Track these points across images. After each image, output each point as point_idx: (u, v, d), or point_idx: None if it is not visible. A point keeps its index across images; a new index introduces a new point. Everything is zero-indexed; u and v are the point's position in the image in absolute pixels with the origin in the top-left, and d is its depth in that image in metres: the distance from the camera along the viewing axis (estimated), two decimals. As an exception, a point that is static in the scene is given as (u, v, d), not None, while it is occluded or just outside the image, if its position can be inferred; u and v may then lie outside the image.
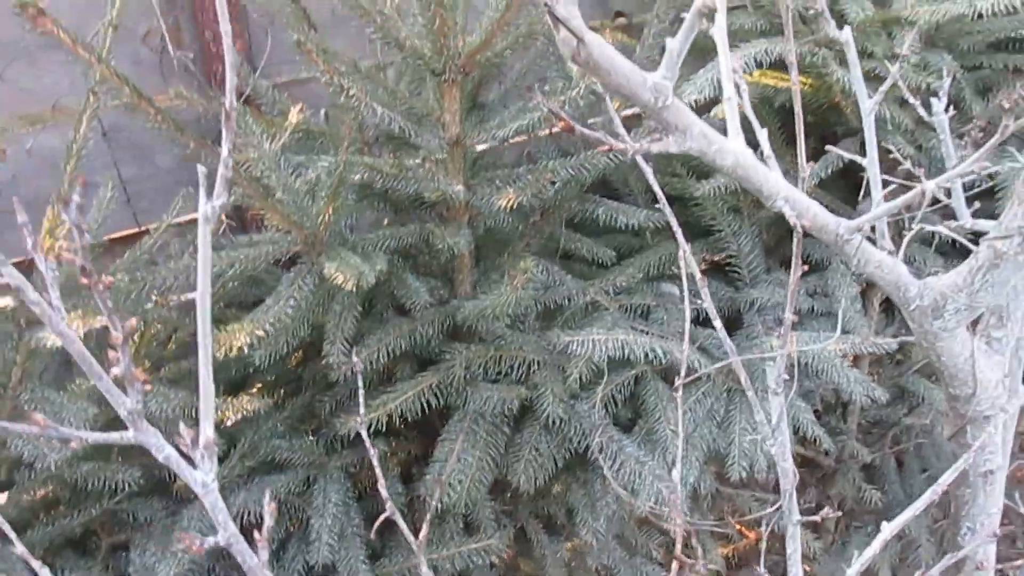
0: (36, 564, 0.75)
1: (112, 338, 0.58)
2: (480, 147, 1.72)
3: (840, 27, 1.75)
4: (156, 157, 2.25)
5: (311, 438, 1.71)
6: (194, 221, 2.02)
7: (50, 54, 1.92)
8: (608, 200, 1.85)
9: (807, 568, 2.79)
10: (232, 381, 1.77)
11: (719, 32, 0.89)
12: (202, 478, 0.69)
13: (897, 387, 2.40)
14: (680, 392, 1.08)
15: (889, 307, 2.44)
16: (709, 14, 0.74)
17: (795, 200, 0.92)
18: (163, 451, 0.67)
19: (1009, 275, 0.98)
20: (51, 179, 1.90)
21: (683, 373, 1.11)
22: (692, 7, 0.73)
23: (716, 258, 2.21)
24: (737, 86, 0.92)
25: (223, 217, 1.84)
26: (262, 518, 1.46)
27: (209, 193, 0.69)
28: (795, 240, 0.95)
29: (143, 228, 2.09)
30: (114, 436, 0.66)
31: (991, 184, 1.82)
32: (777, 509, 1.43)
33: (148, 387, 0.64)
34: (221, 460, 1.66)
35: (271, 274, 1.81)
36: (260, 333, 1.34)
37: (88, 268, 0.53)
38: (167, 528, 1.54)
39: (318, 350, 1.90)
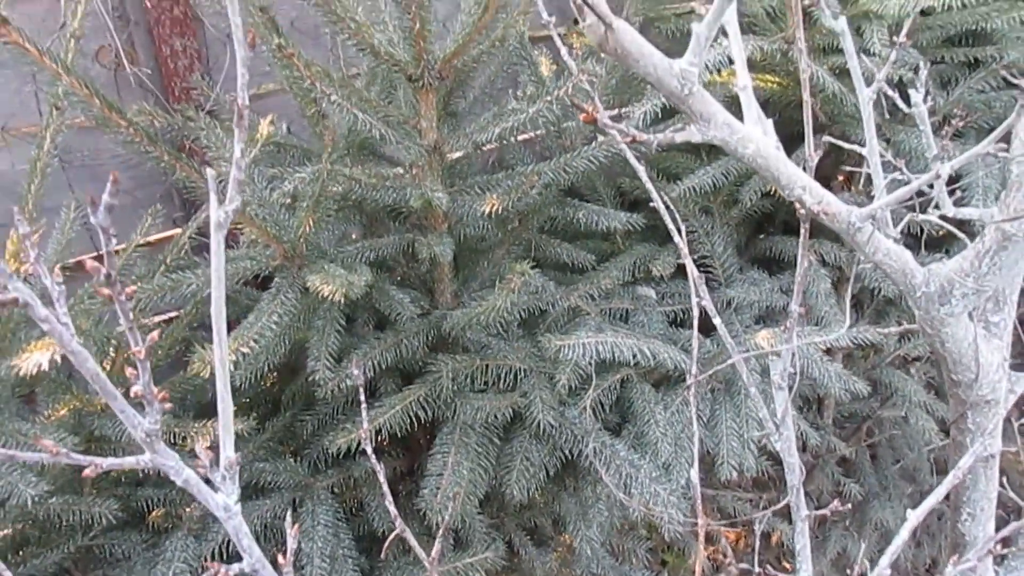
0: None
1: (133, 352, 0.53)
2: (455, 155, 1.70)
3: (807, 26, 1.77)
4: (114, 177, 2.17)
5: (294, 460, 1.65)
6: (162, 241, 1.96)
7: (-7, 73, 1.84)
8: (587, 204, 1.83)
9: (787, 565, 2.80)
10: (208, 404, 1.71)
11: (731, 20, 0.87)
12: (224, 501, 0.64)
13: (870, 380, 2.43)
14: (693, 390, 1.06)
15: (859, 302, 2.48)
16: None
17: (812, 188, 0.91)
18: (182, 474, 0.63)
19: (1017, 257, 0.99)
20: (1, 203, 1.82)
21: (693, 370, 1.09)
22: (716, -8, 0.71)
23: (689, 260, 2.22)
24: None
25: (188, 238, 1.78)
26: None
27: (220, 199, 0.65)
28: (802, 231, 0.94)
29: (101, 253, 2.02)
30: (130, 460, 0.61)
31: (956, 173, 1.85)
32: (775, 503, 1.42)
33: (168, 405, 0.59)
34: (201, 487, 1.59)
35: (241, 294, 1.75)
36: (246, 350, 1.29)
37: (112, 276, 0.49)
38: (148, 561, 1.47)
39: (293, 372, 1.85)
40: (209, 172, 0.65)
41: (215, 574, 0.63)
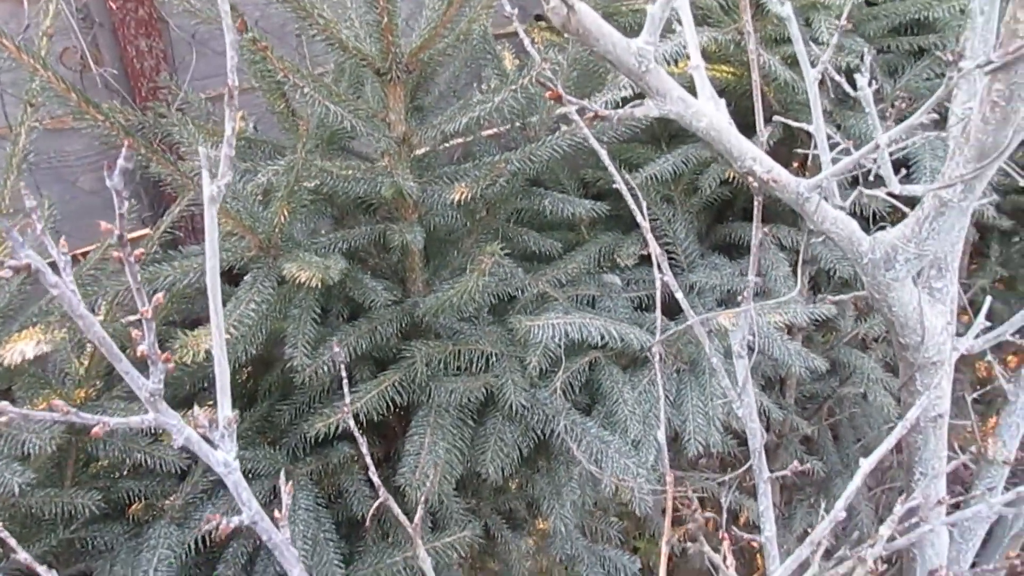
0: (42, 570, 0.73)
1: (141, 312, 0.57)
2: (423, 149, 1.74)
3: (759, 17, 1.84)
4: (78, 180, 2.19)
5: (273, 449, 1.69)
6: (133, 240, 1.97)
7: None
8: (553, 192, 1.89)
9: (754, 544, 2.89)
10: (184, 397, 1.73)
11: (683, 5, 0.93)
12: (224, 458, 0.69)
13: (829, 360, 2.52)
14: (659, 347, 1.12)
15: (815, 284, 2.56)
16: (682, -18, 0.78)
17: (762, 159, 0.98)
18: (183, 433, 0.67)
19: (953, 222, 1.06)
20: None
21: (658, 332, 1.15)
22: (668, -25, 0.77)
23: (663, 251, 2.29)
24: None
25: (156, 235, 1.80)
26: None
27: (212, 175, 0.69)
28: (756, 204, 1.00)
29: (71, 253, 2.03)
30: (135, 420, 0.65)
31: (904, 155, 1.94)
32: (741, 473, 1.49)
33: (171, 366, 0.63)
34: (183, 477, 1.62)
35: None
36: (226, 336, 1.32)
37: (124, 237, 0.53)
38: (132, 550, 1.49)
39: (268, 363, 1.88)
40: (201, 150, 0.69)
41: (216, 525, 0.67)
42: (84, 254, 1.81)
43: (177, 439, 0.68)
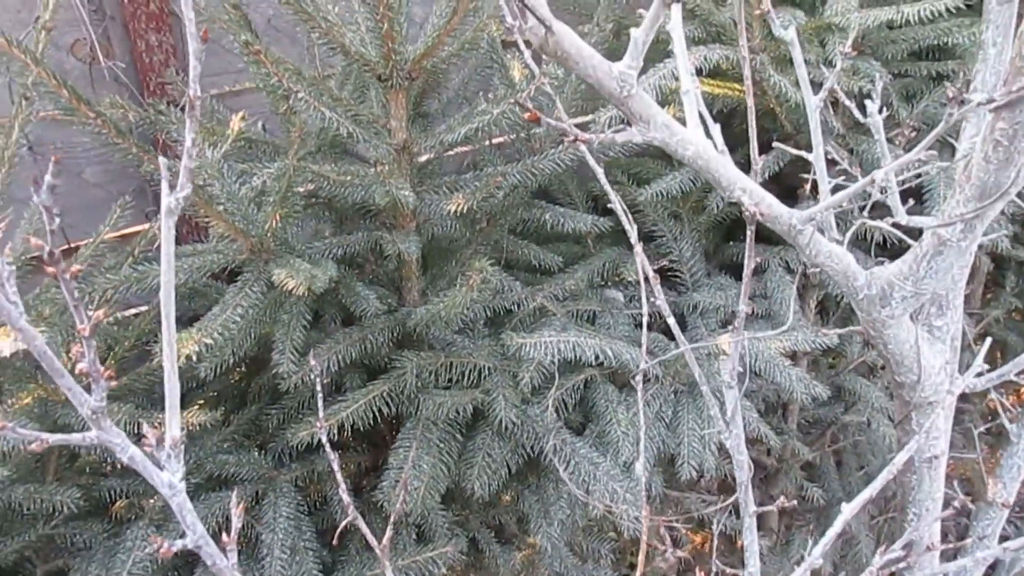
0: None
1: (78, 330, 0.55)
2: (424, 157, 1.72)
3: (770, 38, 1.80)
4: (84, 172, 2.19)
5: (258, 453, 1.67)
6: (130, 235, 1.96)
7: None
8: (555, 206, 1.86)
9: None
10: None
11: (675, 27, 0.90)
12: (169, 479, 0.66)
13: (834, 386, 2.47)
14: (642, 374, 1.09)
15: (823, 309, 2.52)
16: (670, 3, 0.75)
17: (752, 190, 0.94)
18: (127, 452, 0.65)
19: (952, 261, 1.02)
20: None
21: (642, 358, 1.12)
22: (655, -2, 0.74)
23: (658, 265, 2.25)
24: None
25: (157, 231, 1.79)
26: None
27: (171, 186, 0.67)
28: (748, 233, 0.97)
29: (72, 244, 2.03)
30: (76, 438, 0.63)
31: (919, 184, 1.90)
32: (733, 502, 1.46)
33: (113, 383, 0.61)
34: (165, 478, 1.60)
35: (211, 288, 1.77)
36: (208, 341, 1.31)
37: (56, 254, 0.51)
38: (109, 550, 1.48)
39: (260, 366, 1.87)
40: (161, 160, 0.67)
41: (158, 548, 0.65)
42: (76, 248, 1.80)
43: (121, 456, 0.66)
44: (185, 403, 1.75)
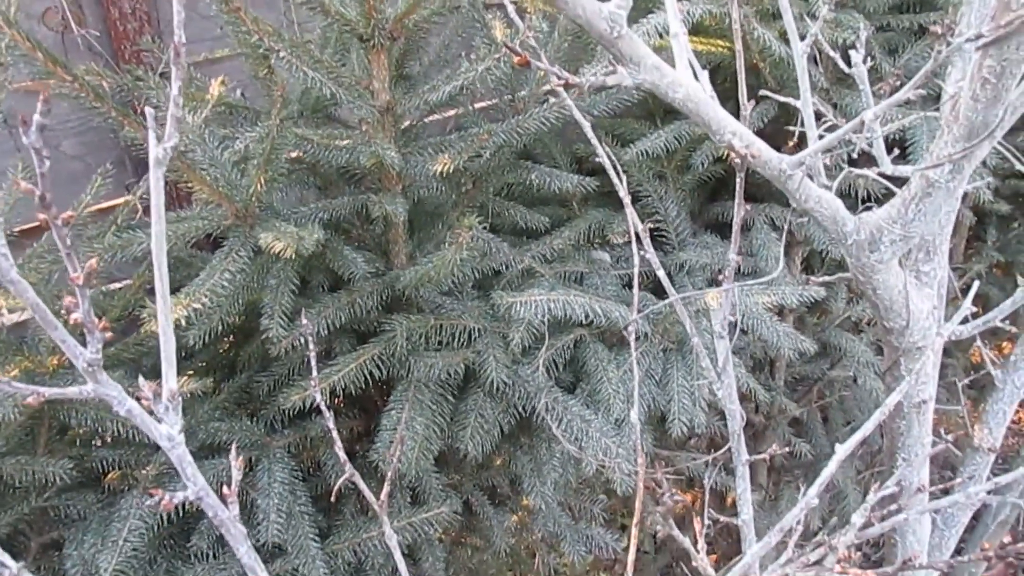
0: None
1: (71, 279, 0.55)
2: (408, 120, 1.71)
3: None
4: (62, 144, 2.16)
5: (250, 421, 1.67)
6: (110, 208, 1.94)
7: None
8: (540, 166, 1.85)
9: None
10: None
11: (663, -31, 0.90)
12: (167, 431, 0.66)
13: (820, 342, 2.50)
14: (636, 325, 1.09)
15: (808, 266, 2.54)
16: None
17: (742, 134, 0.94)
18: (125, 404, 0.64)
19: (940, 203, 1.03)
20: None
21: (634, 309, 1.12)
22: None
23: (645, 226, 2.25)
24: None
25: (139, 202, 1.77)
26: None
27: (158, 137, 0.66)
28: (738, 179, 0.97)
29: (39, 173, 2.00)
30: (72, 391, 0.62)
31: (902, 138, 1.90)
32: (724, 454, 1.47)
33: (109, 335, 0.60)
34: (158, 448, 1.60)
35: (196, 258, 1.75)
36: (197, 306, 1.30)
37: (47, 199, 0.50)
38: (104, 520, 1.48)
39: (248, 335, 1.86)
40: (148, 110, 0.66)
41: (159, 500, 0.65)
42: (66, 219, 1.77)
43: (119, 409, 0.66)
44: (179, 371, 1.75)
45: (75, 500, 1.56)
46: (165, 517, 1.50)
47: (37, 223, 2.06)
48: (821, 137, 1.13)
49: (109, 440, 1.65)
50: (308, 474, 1.71)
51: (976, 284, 1.24)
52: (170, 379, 0.66)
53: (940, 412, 3.17)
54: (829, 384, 2.69)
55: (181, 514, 1.54)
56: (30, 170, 1.88)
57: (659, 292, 2.02)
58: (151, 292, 1.77)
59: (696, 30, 1.95)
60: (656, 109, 2.27)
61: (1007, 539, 0.77)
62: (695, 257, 2.11)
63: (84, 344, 0.62)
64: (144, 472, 1.58)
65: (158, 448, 1.61)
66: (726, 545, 3.04)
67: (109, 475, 1.65)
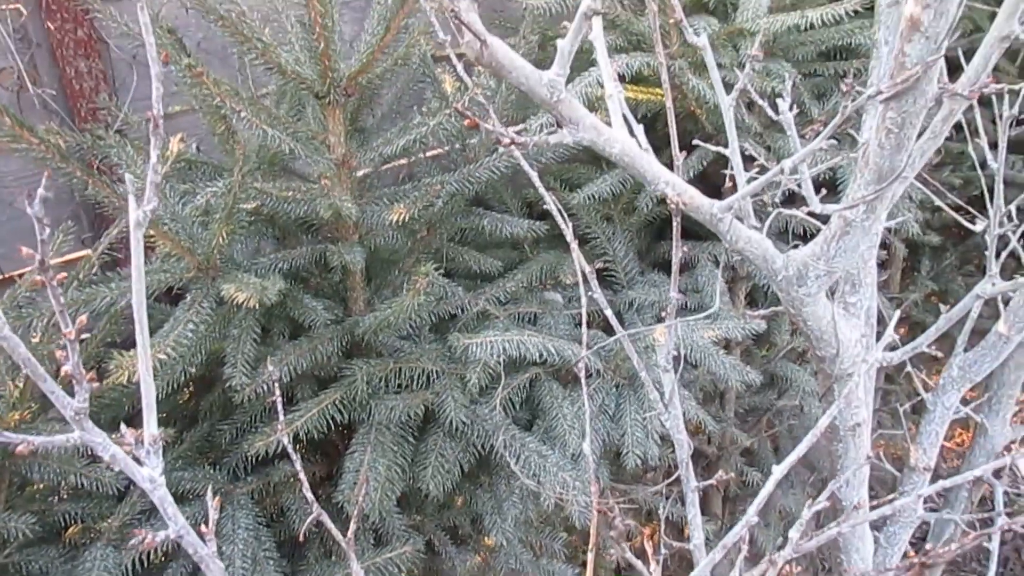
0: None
1: (64, 334, 0.60)
2: (363, 170, 1.77)
3: (687, 44, 1.91)
4: (16, 200, 2.17)
5: (213, 469, 1.69)
6: (72, 261, 1.96)
7: None
8: (492, 212, 1.93)
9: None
10: (124, 418, 1.72)
11: (598, 37, 0.98)
12: (149, 474, 0.70)
13: (767, 373, 2.59)
14: (585, 361, 1.16)
15: (752, 300, 2.64)
16: (591, 15, 0.83)
17: (675, 183, 1.03)
18: (109, 450, 0.69)
19: (858, 240, 1.12)
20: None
21: (584, 346, 1.19)
22: (578, 10, 0.81)
23: (593, 266, 2.34)
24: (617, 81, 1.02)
25: (100, 254, 1.80)
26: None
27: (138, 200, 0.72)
28: (675, 223, 1.05)
29: (6, 275, 2.02)
30: (60, 438, 0.67)
31: (832, 177, 2.02)
32: (676, 482, 1.54)
33: (96, 385, 0.65)
34: (120, 499, 1.61)
35: (155, 310, 1.78)
36: (162, 356, 1.33)
37: (46, 262, 0.55)
38: (67, 573, 1.48)
39: (209, 384, 1.88)
40: (127, 176, 0.72)
41: (142, 540, 0.69)
42: (21, 275, 1.80)
43: (103, 455, 0.70)
44: (135, 424, 1.76)
45: (36, 556, 1.56)
46: (130, 568, 1.51)
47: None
48: (750, 182, 1.22)
49: (69, 494, 1.66)
50: (272, 519, 1.73)
51: (897, 313, 1.34)
52: (151, 424, 0.71)
53: (886, 437, 3.28)
54: (778, 413, 2.78)
55: (146, 565, 1.55)
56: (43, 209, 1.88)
57: (610, 330, 2.09)
58: (111, 345, 1.80)
59: (636, 79, 2.06)
60: (602, 156, 2.37)
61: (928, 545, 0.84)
62: (643, 295, 2.20)
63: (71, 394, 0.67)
64: (107, 524, 1.59)
65: (120, 499, 1.63)
66: (681, 571, 3.10)
67: (70, 529, 1.65)
